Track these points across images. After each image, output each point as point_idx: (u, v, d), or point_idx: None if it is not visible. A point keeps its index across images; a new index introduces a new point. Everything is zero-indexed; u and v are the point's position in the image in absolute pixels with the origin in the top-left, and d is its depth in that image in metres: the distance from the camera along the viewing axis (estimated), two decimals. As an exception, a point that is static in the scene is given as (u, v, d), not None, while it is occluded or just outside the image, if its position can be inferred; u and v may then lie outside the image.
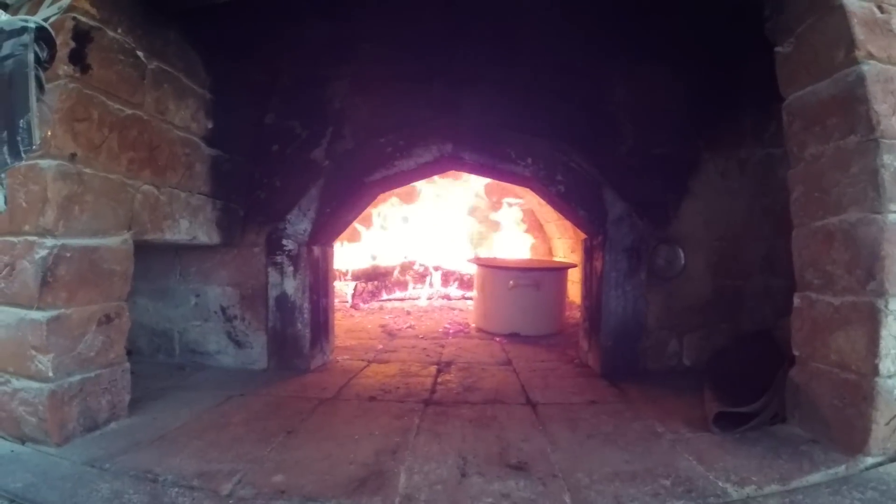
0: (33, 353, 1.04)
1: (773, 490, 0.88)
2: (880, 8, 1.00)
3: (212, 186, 1.48)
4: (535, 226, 3.16)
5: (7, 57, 0.87)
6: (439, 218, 3.15)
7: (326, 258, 1.71)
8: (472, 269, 2.80)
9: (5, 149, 0.83)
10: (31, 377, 1.05)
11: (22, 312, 1.04)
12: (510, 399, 1.35)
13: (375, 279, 2.93)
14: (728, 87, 1.49)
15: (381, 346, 1.92)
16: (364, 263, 2.96)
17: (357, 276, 2.87)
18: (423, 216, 3.16)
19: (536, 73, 1.54)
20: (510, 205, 3.05)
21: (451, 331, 2.23)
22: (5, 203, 0.89)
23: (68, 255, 1.06)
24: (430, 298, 2.95)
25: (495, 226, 3.23)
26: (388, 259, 3.09)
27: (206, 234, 1.48)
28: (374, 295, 2.89)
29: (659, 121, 1.54)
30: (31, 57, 0.90)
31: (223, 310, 1.62)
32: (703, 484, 0.88)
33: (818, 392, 1.05)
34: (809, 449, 1.00)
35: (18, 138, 0.82)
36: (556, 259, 2.92)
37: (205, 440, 1.10)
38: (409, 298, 2.96)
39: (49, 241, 1.03)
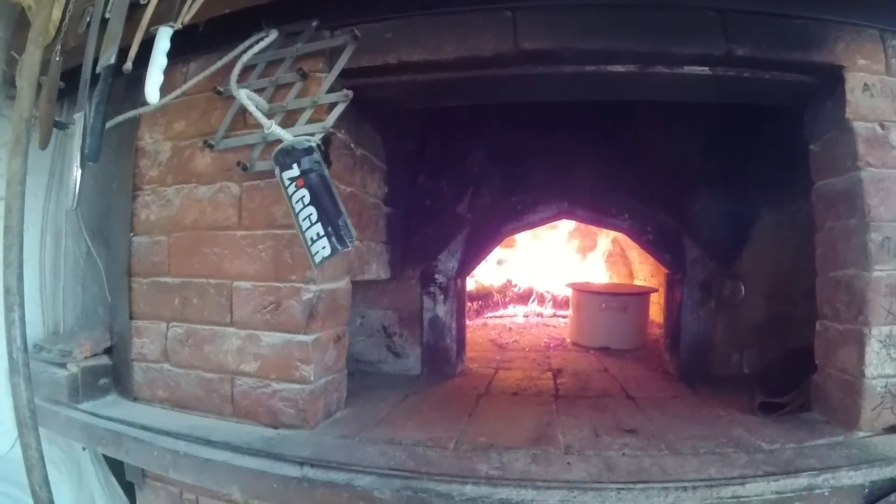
0: (298, 363, 1.59)
1: (791, 446, 1.46)
2: (881, 125, 1.56)
3: (387, 236, 2.20)
4: (618, 251, 3.87)
5: (309, 171, 1.46)
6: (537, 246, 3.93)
7: (464, 289, 2.46)
8: (564, 291, 3.64)
9: (334, 239, 1.42)
10: (294, 381, 1.60)
11: (288, 336, 1.61)
12: (615, 394, 2.04)
13: (480, 299, 3.71)
14: (783, 158, 2.04)
15: (498, 357, 2.64)
16: (471, 285, 3.67)
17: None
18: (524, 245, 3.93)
19: (633, 148, 2.26)
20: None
21: (551, 345, 2.97)
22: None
23: (323, 296, 1.62)
24: (526, 316, 3.71)
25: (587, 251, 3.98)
26: (491, 280, 3.87)
27: (384, 272, 2.20)
28: (478, 313, 3.66)
29: (727, 184, 2.23)
30: (326, 171, 1.45)
31: (384, 328, 2.37)
32: (746, 442, 1.54)
33: (829, 389, 1.64)
34: (822, 427, 1.59)
35: (342, 232, 1.43)
36: (637, 283, 3.62)
37: (413, 421, 1.69)
38: (508, 316, 3.72)
39: (313, 287, 1.59)
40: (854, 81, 1.60)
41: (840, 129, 1.61)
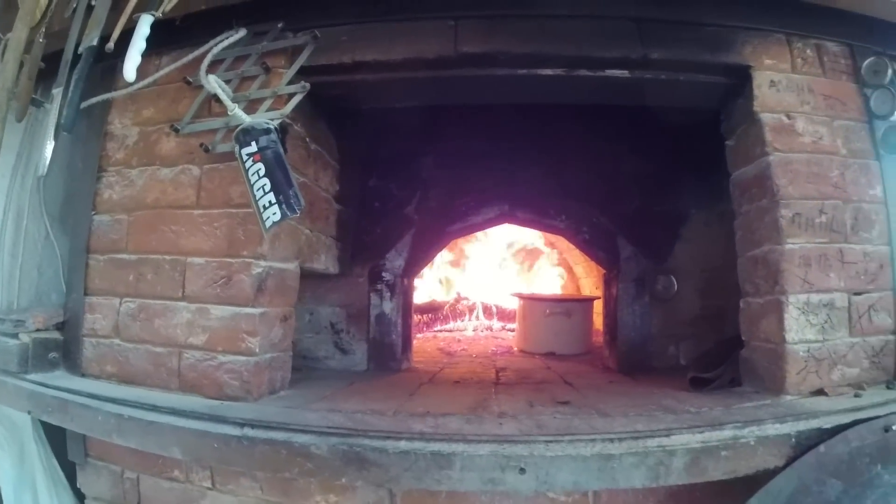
0: (245, 336, 1.63)
1: (719, 409, 1.54)
2: (788, 115, 1.71)
3: (337, 231, 2.27)
4: (565, 266, 3.98)
5: (266, 148, 1.57)
6: (485, 261, 4.06)
7: (411, 288, 2.55)
8: (512, 305, 3.72)
9: (284, 206, 1.53)
10: (240, 353, 1.63)
11: (237, 309, 1.65)
12: (554, 381, 2.12)
13: (430, 312, 3.79)
14: (710, 160, 2.09)
15: (445, 360, 2.70)
16: (421, 299, 3.77)
17: (416, 310, 3.59)
18: (472, 260, 4.06)
19: (569, 154, 2.41)
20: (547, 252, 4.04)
21: (498, 352, 3.05)
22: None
23: (272, 273, 1.68)
24: (475, 330, 3.80)
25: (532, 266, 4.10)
26: (441, 294, 3.97)
27: (333, 266, 2.26)
28: (428, 325, 3.75)
29: (658, 186, 2.39)
30: (281, 149, 1.57)
31: (332, 325, 2.41)
32: (675, 408, 1.60)
33: (756, 360, 1.74)
34: (750, 395, 1.67)
35: (291, 201, 1.54)
36: (584, 293, 3.73)
37: (357, 398, 1.74)
38: (457, 329, 3.81)
39: (263, 263, 1.65)
40: (761, 79, 1.77)
41: (750, 122, 1.77)
